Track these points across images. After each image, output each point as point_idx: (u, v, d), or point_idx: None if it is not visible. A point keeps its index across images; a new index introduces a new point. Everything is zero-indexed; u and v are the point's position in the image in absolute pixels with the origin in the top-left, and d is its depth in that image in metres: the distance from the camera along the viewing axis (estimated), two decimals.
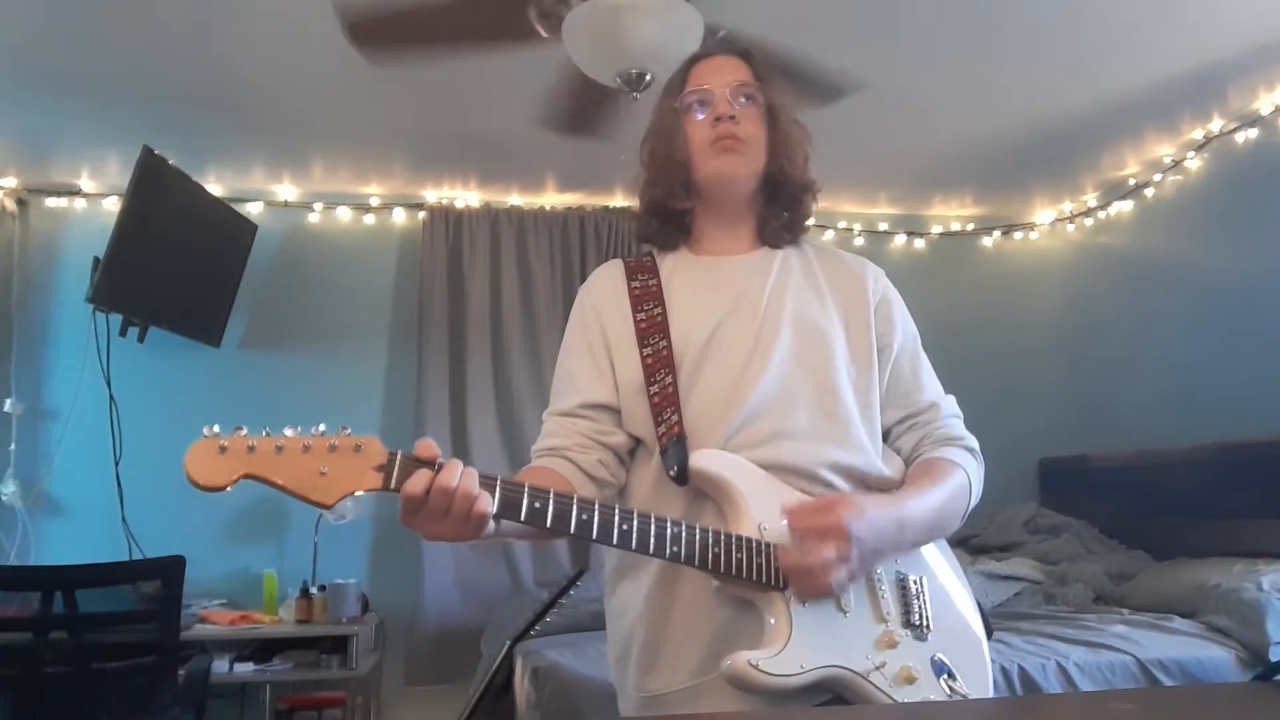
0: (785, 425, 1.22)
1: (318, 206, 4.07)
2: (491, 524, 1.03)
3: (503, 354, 4.00)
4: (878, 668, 1.14)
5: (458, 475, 1.00)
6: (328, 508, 0.97)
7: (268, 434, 0.96)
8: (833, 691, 1.13)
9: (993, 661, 1.29)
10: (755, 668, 1.07)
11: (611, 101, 2.94)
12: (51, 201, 3.88)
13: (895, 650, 1.16)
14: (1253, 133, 3.45)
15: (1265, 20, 2.82)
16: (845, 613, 1.15)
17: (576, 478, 1.23)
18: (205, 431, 0.94)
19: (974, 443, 1.32)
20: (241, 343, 3.93)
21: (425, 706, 3.75)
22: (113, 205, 3.80)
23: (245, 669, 3.27)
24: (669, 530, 1.09)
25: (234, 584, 3.73)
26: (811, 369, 1.26)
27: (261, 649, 3.36)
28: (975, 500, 1.29)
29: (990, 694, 1.24)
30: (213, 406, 3.82)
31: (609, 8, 2.34)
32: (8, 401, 3.69)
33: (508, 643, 2.50)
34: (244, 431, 0.95)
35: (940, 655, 1.19)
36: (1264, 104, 3.37)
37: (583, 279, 4.54)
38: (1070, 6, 2.72)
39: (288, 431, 0.97)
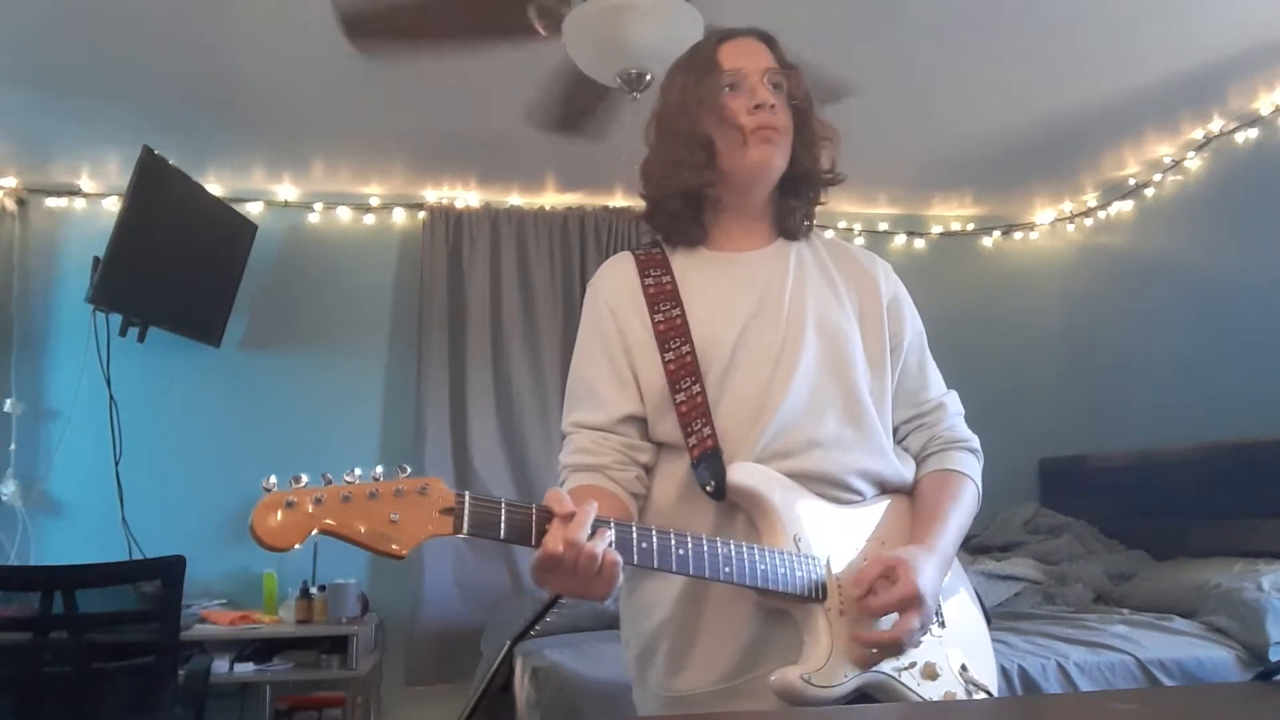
0: (816, 434, 1.22)
1: (318, 206, 4.07)
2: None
3: (503, 354, 4.00)
4: (906, 668, 1.16)
5: (586, 530, 0.98)
6: (402, 558, 0.87)
7: (328, 480, 0.87)
8: (864, 693, 1.14)
9: (994, 653, 1.33)
10: (808, 682, 1.09)
11: (606, 100, 2.93)
12: (51, 201, 3.88)
13: (919, 649, 1.18)
14: (1253, 133, 3.45)
15: (1265, 20, 2.82)
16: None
17: (624, 497, 1.22)
18: (265, 486, 0.84)
19: (976, 443, 1.35)
20: (241, 343, 3.92)
21: (425, 706, 3.75)
22: (113, 205, 3.80)
23: (245, 669, 3.27)
24: (720, 552, 1.10)
25: (234, 584, 3.72)
26: (836, 374, 1.25)
27: (261, 649, 3.36)
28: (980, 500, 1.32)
29: (995, 681, 1.26)
30: (213, 406, 3.83)
31: (609, 8, 2.34)
32: (8, 401, 3.69)
33: (508, 643, 2.50)
34: (304, 481, 0.86)
35: (956, 649, 1.23)
36: (1264, 104, 3.37)
37: (583, 279, 4.50)
38: (1070, 6, 2.72)
39: (347, 477, 0.87)
